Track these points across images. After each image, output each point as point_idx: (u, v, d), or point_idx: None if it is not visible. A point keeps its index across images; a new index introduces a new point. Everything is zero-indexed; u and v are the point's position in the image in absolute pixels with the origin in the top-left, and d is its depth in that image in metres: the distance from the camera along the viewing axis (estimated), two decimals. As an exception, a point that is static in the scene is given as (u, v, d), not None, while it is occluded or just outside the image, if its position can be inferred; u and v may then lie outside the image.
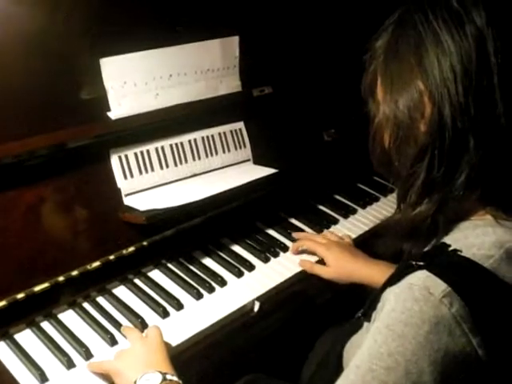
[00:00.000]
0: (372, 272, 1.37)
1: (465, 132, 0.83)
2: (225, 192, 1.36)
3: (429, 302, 0.78)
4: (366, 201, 1.78)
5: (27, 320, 1.17)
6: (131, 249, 1.30)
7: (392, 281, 0.86)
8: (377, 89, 0.97)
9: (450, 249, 0.86)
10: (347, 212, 1.71)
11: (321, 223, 1.63)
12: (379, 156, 0.98)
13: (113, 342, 1.15)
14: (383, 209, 1.78)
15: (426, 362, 0.76)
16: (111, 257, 1.27)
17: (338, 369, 1.13)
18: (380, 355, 0.78)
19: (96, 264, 1.25)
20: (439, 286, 0.79)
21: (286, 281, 1.41)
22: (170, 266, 1.38)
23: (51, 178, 1.23)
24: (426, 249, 0.94)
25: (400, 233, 0.95)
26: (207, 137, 1.46)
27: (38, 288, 1.16)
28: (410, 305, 0.79)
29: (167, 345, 1.13)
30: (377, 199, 1.81)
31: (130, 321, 1.21)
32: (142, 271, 1.34)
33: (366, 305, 1.05)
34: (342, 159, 1.80)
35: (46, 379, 1.06)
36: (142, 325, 1.20)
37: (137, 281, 1.32)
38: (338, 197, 1.79)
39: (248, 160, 1.55)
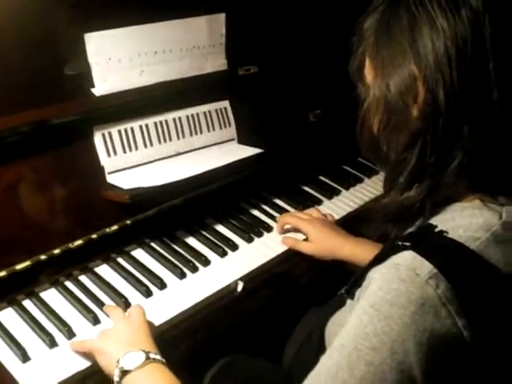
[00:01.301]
0: (355, 249, 1.38)
1: (459, 118, 0.82)
2: (209, 171, 1.35)
3: (415, 283, 0.78)
4: (350, 182, 1.78)
5: (9, 299, 1.15)
6: (114, 227, 1.29)
7: (378, 260, 0.86)
8: (365, 71, 0.95)
9: (437, 230, 0.86)
10: (331, 193, 1.71)
11: (304, 204, 1.63)
12: (367, 141, 0.97)
13: (95, 321, 1.14)
14: (367, 190, 1.78)
15: (411, 342, 0.76)
16: (94, 235, 1.26)
17: (321, 347, 1.13)
18: (366, 335, 0.78)
19: (78, 242, 1.23)
20: (425, 267, 0.79)
21: (269, 261, 1.41)
22: (153, 245, 1.37)
23: (33, 155, 1.21)
24: (410, 229, 0.94)
25: (386, 216, 0.95)
26: (192, 115, 1.45)
27: (19, 266, 1.15)
28: (396, 285, 0.79)
29: (150, 324, 1.12)
30: (361, 180, 1.82)
31: (113, 300, 1.20)
32: (125, 250, 1.33)
33: (350, 282, 1.05)
34: (326, 140, 1.79)
35: (28, 358, 1.05)
36: (125, 304, 1.19)
37: (120, 260, 1.31)
38: (322, 178, 1.79)
39: (233, 139, 1.54)
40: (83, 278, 1.25)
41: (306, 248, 1.43)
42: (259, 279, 1.38)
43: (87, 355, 1.06)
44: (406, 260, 0.81)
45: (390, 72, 0.88)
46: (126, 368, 0.97)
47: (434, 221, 0.88)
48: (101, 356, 1.02)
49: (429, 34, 0.83)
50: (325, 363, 0.80)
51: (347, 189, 1.76)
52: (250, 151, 1.48)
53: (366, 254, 1.35)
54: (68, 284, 1.23)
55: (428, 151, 0.85)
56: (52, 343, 1.08)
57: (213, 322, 1.29)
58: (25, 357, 1.05)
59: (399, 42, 0.87)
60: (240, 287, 1.34)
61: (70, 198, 1.24)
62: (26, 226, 1.17)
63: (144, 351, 0.99)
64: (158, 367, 0.99)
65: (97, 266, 1.28)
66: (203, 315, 1.26)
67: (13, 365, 1.04)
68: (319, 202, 1.67)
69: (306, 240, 1.46)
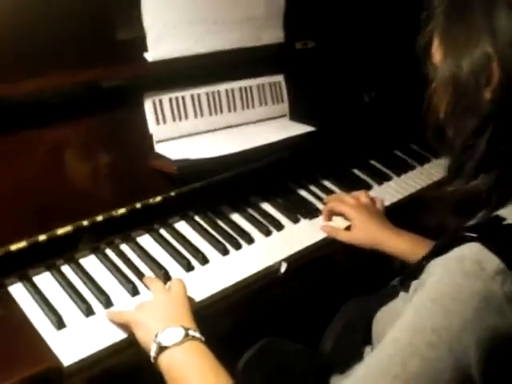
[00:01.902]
0: (400, 243, 1.32)
1: None
2: (258, 147, 1.30)
3: (479, 278, 0.72)
4: (401, 168, 1.72)
5: (47, 263, 1.13)
6: (158, 198, 1.25)
7: (438, 251, 0.80)
8: (433, 50, 0.89)
9: (506, 222, 0.79)
10: (382, 178, 1.65)
11: (354, 188, 1.57)
12: (433, 124, 0.91)
13: (134, 291, 1.11)
14: (419, 178, 1.71)
15: (471, 340, 0.71)
16: (138, 205, 1.23)
17: (366, 338, 1.08)
18: (422, 329, 0.73)
19: (122, 211, 1.20)
20: (492, 261, 0.73)
21: (314, 244, 1.36)
22: (197, 218, 1.33)
23: (80, 118, 1.17)
24: (473, 221, 0.88)
25: (448, 206, 0.89)
26: (245, 88, 1.40)
27: (60, 231, 1.12)
28: (460, 279, 0.73)
29: (190, 299, 1.09)
30: (413, 167, 1.75)
31: (153, 271, 1.17)
32: (169, 222, 1.30)
33: (404, 274, 1.00)
34: (379, 123, 1.72)
35: (63, 325, 1.03)
36: (165, 277, 1.16)
37: (162, 231, 1.28)
38: (373, 162, 1.72)
39: (284, 115, 1.49)
40: (124, 247, 1.22)
41: (346, 237, 1.37)
42: (302, 261, 1.34)
43: (124, 326, 1.03)
44: (472, 252, 0.75)
45: (462, 52, 0.82)
46: (164, 344, 0.94)
47: (502, 212, 0.82)
48: (138, 329, 0.99)
49: (506, 12, 0.77)
50: (376, 356, 0.76)
51: (398, 175, 1.69)
52: (301, 129, 1.43)
53: (408, 247, 1.30)
54: (108, 252, 1.20)
55: (499, 138, 0.79)
56: (89, 311, 1.05)
57: (252, 301, 1.26)
58: (60, 323, 1.02)
59: (473, 20, 0.81)
60: (283, 268, 1.29)
61: (115, 165, 1.21)
62: (69, 191, 1.15)
63: (183, 327, 0.96)
64: (197, 345, 0.96)
65: (139, 235, 1.25)
66: (244, 294, 1.22)
67: (47, 331, 1.01)
68: (368, 187, 1.61)
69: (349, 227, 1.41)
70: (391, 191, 1.61)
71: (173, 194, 1.28)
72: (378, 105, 1.73)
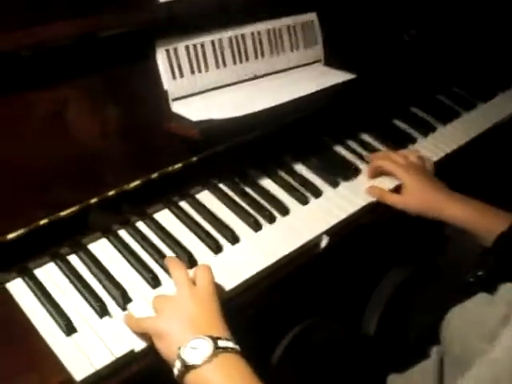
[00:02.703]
0: (460, 209, 1.14)
1: None
2: (290, 102, 1.10)
3: None
4: (446, 116, 1.52)
5: (50, 252, 0.95)
6: (178, 166, 1.06)
7: None
8: None
9: None
10: (426, 129, 1.45)
11: (396, 141, 1.38)
12: None
13: (155, 282, 0.94)
14: (465, 126, 1.52)
15: None
16: (154, 175, 1.03)
17: (432, 335, 0.90)
18: None
19: (136, 183, 1.01)
20: None
21: (359, 210, 1.17)
22: (222, 187, 1.14)
23: (81, 75, 0.96)
24: None
25: None
26: (273, 30, 1.18)
27: (64, 212, 0.93)
28: None
29: (220, 289, 0.92)
30: (457, 114, 1.55)
31: (176, 255, 0.99)
32: (190, 193, 1.11)
33: (482, 271, 0.81)
34: (421, 65, 1.51)
35: (74, 330, 0.86)
36: (190, 261, 0.98)
37: (183, 204, 1.09)
38: (414, 110, 1.52)
39: (319, 61, 1.27)
40: (141, 225, 1.04)
41: (398, 202, 1.19)
42: (345, 232, 1.16)
43: (142, 334, 0.86)
44: None
45: None
46: (190, 362, 0.76)
47: None
48: (159, 340, 0.82)
49: None
50: (489, 366, 0.59)
51: (444, 124, 1.49)
52: (338, 76, 1.21)
53: (471, 216, 1.12)
54: (122, 234, 1.02)
55: None
56: (103, 311, 0.88)
57: (287, 283, 1.08)
58: (69, 328, 0.85)
59: None
60: (324, 243, 1.12)
61: (124, 130, 1.01)
62: (71, 163, 0.95)
63: (212, 338, 0.78)
64: (230, 359, 0.78)
65: (156, 211, 1.07)
66: (280, 276, 1.05)
67: (54, 338, 0.84)
68: (413, 140, 1.41)
69: (397, 190, 1.22)
70: (438, 144, 1.42)
71: (194, 159, 1.08)
72: (419, 44, 1.51)
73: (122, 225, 1.02)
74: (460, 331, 0.79)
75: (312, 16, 1.24)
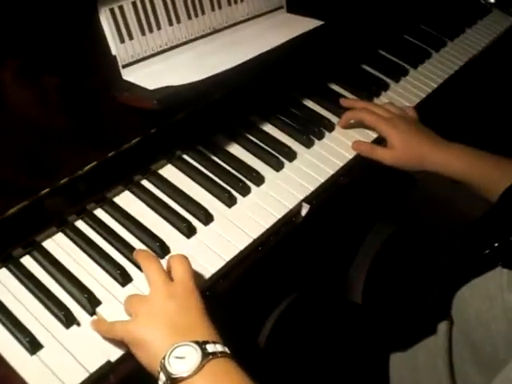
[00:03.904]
0: (455, 158, 1.06)
1: None
2: (254, 59, 0.97)
3: None
4: (416, 57, 1.41)
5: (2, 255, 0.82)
6: (135, 140, 0.93)
7: None
8: None
9: None
10: (397, 73, 1.35)
11: (368, 89, 1.27)
12: None
13: (125, 279, 0.83)
14: (437, 67, 1.42)
15: None
16: (109, 153, 0.90)
17: (443, 310, 0.81)
18: None
19: (89, 166, 0.88)
20: None
21: (337, 172, 1.07)
22: (187, 158, 1.02)
23: (11, 44, 0.82)
24: None
25: None
26: (229, -25, 1.04)
27: (12, 210, 0.80)
28: None
29: (199, 278, 0.82)
30: (428, 55, 1.45)
31: (146, 245, 0.87)
32: (152, 169, 0.98)
33: (498, 243, 0.72)
34: (385, 3, 1.39)
35: (39, 346, 0.74)
36: (162, 250, 0.87)
37: (145, 183, 0.97)
38: (383, 53, 1.41)
39: (281, 7, 1.14)
40: (100, 213, 0.91)
41: (387, 156, 1.10)
42: (326, 196, 1.06)
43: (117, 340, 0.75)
44: None
45: None
46: (176, 374, 0.66)
47: None
48: (138, 349, 0.71)
49: None
50: None
51: (415, 66, 1.39)
52: (303, 23, 1.10)
53: (466, 164, 1.04)
54: (80, 225, 0.89)
55: None
56: (69, 320, 0.76)
57: (269, 258, 0.98)
58: (33, 345, 0.73)
59: None
60: (305, 211, 1.02)
61: (71, 105, 0.87)
62: (11, 150, 0.81)
63: (198, 343, 0.68)
64: (220, 366, 0.68)
65: (116, 195, 0.94)
66: (262, 253, 0.95)
67: (18, 358, 0.72)
68: (385, 87, 1.31)
69: (382, 143, 1.12)
70: (412, 88, 1.32)
71: (152, 131, 0.95)
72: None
73: (78, 215, 0.89)
74: (472, 307, 0.71)
75: (269, -42, 1.10)
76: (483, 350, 0.70)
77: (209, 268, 0.86)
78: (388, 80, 1.32)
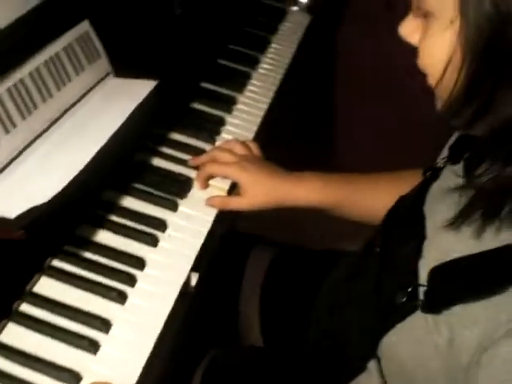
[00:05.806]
0: (310, 190, 1.10)
1: None
2: (104, 147, 0.92)
3: None
4: (238, 82, 1.41)
5: None
6: None
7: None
8: None
9: None
10: (227, 103, 1.34)
11: (206, 128, 1.25)
12: None
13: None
14: (261, 88, 1.42)
15: None
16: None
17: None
18: None
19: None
20: None
21: (211, 227, 1.06)
22: (58, 265, 0.93)
23: None
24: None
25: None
26: (51, 59, 0.95)
27: None
28: None
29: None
30: (248, 75, 1.45)
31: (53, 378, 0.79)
32: (27, 290, 0.89)
33: (419, 291, 0.74)
34: (192, 32, 1.37)
35: None
36: (74, 378, 0.79)
37: (25, 308, 0.87)
38: (207, 85, 1.38)
39: (108, 74, 1.08)
40: None
41: (243, 203, 1.10)
42: (209, 258, 1.04)
43: None
44: None
45: None
46: None
47: None
48: None
49: None
50: None
51: (240, 92, 1.39)
52: (140, 87, 1.04)
53: (310, 192, 1.08)
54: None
55: None
56: None
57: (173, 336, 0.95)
58: None
59: None
60: (195, 280, 0.99)
61: None
62: None
63: None
64: None
65: (-3, 332, 0.84)
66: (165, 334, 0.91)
67: None
68: (221, 122, 1.29)
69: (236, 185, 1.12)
70: (247, 117, 1.32)
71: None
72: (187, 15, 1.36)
73: None
74: (400, 358, 0.74)
75: (85, 25, 1.02)
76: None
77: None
78: (221, 114, 1.30)
